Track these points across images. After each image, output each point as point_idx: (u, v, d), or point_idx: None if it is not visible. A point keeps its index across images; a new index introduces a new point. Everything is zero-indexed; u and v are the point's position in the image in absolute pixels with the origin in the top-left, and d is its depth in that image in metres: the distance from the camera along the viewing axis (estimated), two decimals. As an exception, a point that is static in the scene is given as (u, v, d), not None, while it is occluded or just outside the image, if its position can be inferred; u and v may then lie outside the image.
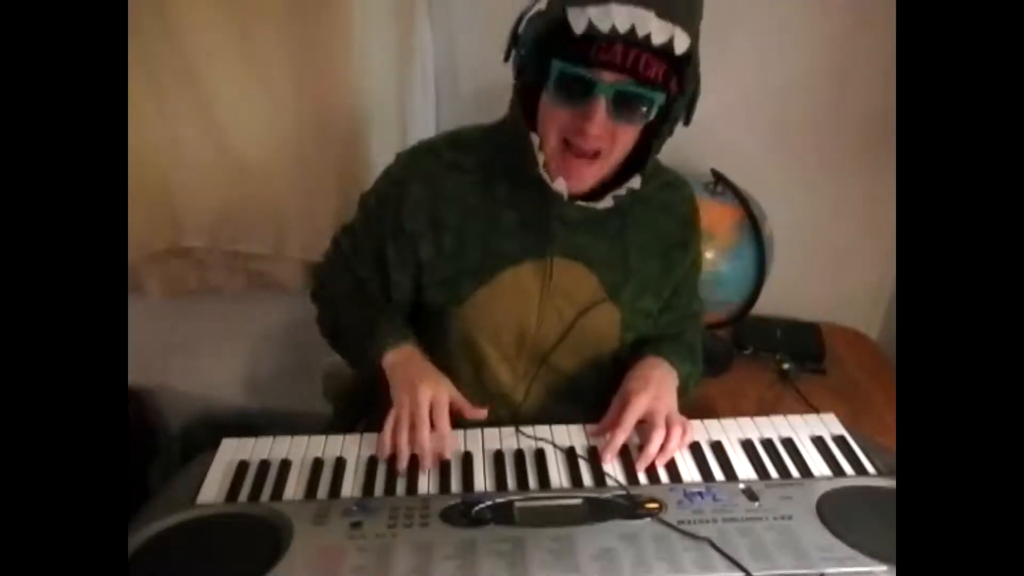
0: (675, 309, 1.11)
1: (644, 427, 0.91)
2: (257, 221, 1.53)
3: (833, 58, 1.49)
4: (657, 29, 0.79)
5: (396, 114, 1.46)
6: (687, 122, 0.91)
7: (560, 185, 0.90)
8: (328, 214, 1.49)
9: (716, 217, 1.45)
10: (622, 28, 0.78)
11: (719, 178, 1.49)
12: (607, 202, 0.93)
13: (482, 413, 0.93)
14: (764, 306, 1.53)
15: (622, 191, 0.93)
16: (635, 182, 0.93)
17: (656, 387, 0.95)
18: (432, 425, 0.88)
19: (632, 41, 0.80)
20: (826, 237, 1.66)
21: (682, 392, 1.01)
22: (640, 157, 0.93)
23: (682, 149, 1.13)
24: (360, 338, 1.00)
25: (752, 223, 1.45)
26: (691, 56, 0.84)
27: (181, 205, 1.51)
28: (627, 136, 0.89)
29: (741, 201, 1.46)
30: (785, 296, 1.64)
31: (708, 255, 1.44)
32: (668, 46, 0.80)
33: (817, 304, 1.72)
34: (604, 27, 0.78)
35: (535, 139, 0.90)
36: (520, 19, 0.88)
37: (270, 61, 1.38)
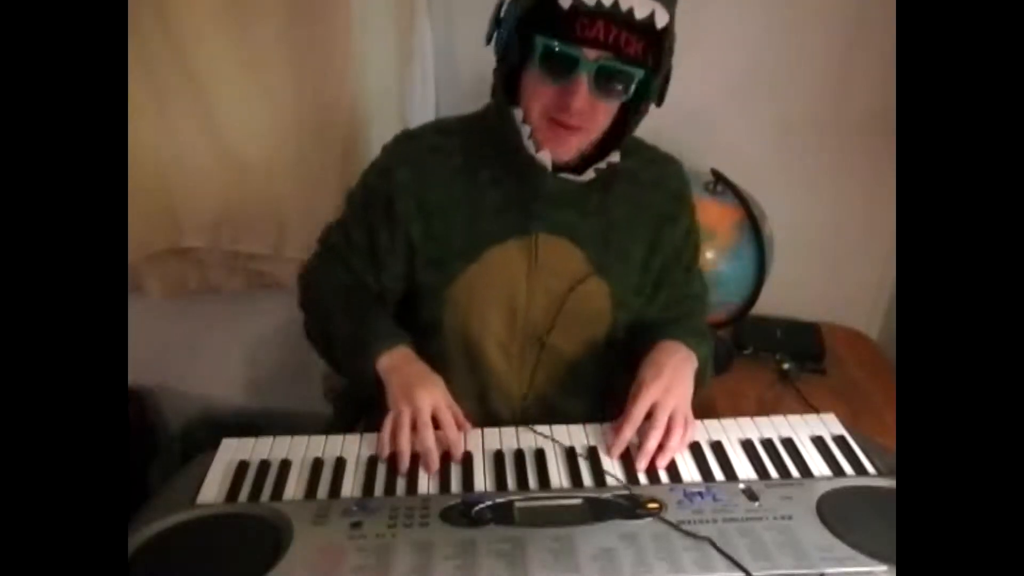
0: (674, 286, 1.10)
1: (646, 424, 0.91)
2: (257, 221, 1.53)
3: (833, 58, 1.49)
4: (639, 4, 0.84)
5: (396, 113, 1.47)
6: (659, 102, 0.95)
7: (544, 156, 0.93)
8: (328, 214, 1.47)
9: (716, 217, 1.45)
10: (607, 2, 0.83)
11: (719, 178, 1.49)
12: (589, 174, 0.96)
13: (468, 432, 0.92)
14: (764, 306, 1.53)
15: (603, 165, 0.96)
16: (615, 156, 0.97)
17: (669, 377, 0.93)
18: (437, 428, 0.89)
19: (615, 16, 0.84)
20: (826, 237, 1.66)
21: (700, 378, 0.99)
22: (619, 134, 0.96)
23: (682, 149, 1.13)
24: (353, 341, 0.98)
25: (752, 223, 1.45)
26: (668, 33, 0.88)
27: (181, 205, 1.51)
28: (607, 112, 0.93)
29: (741, 201, 1.46)
30: (785, 296, 1.64)
31: (708, 255, 1.44)
32: (649, 20, 0.85)
33: (817, 304, 1.72)
34: (590, 1, 0.82)
35: (518, 113, 0.93)
36: (501, 2, 0.91)
37: (270, 61, 1.38)
